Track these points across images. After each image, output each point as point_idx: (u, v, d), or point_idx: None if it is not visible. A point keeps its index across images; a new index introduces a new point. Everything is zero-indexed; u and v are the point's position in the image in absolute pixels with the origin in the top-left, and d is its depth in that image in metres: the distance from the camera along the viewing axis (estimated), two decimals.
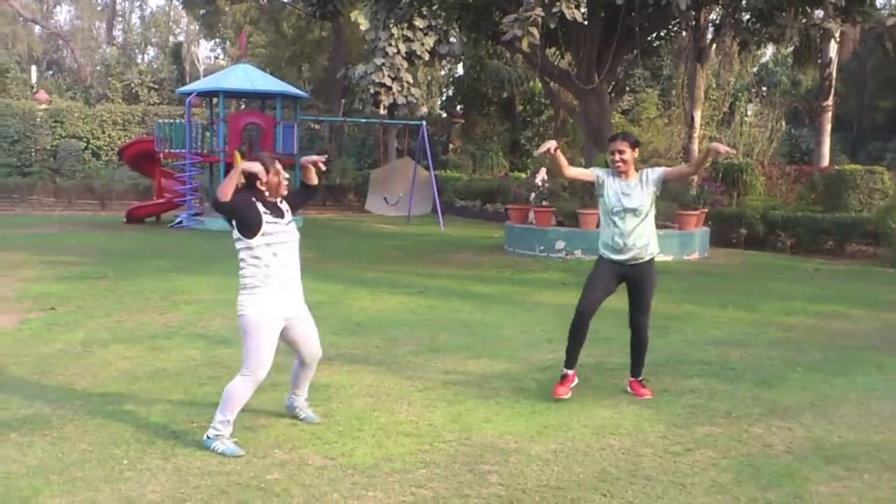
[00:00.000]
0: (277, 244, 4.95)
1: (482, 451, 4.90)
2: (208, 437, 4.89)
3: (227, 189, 4.76)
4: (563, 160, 6.04)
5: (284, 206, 5.13)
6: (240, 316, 4.95)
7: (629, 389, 6.23)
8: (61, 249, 14.84)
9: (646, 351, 6.26)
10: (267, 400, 5.74)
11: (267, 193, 5.01)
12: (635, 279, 6.06)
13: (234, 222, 4.91)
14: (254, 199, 4.93)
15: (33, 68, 46.60)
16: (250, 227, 4.88)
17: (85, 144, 32.39)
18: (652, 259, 6.11)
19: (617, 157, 6.01)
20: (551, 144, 5.90)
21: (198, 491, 4.25)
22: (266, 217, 4.92)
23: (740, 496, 4.30)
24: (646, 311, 6.15)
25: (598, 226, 6.52)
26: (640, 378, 6.26)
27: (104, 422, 5.31)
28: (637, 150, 6.08)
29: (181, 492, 4.24)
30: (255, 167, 4.89)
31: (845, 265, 15.01)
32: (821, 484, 4.48)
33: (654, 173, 6.08)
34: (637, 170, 6.14)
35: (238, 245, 4.97)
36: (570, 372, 6.09)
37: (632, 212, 5.95)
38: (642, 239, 5.99)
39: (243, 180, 4.92)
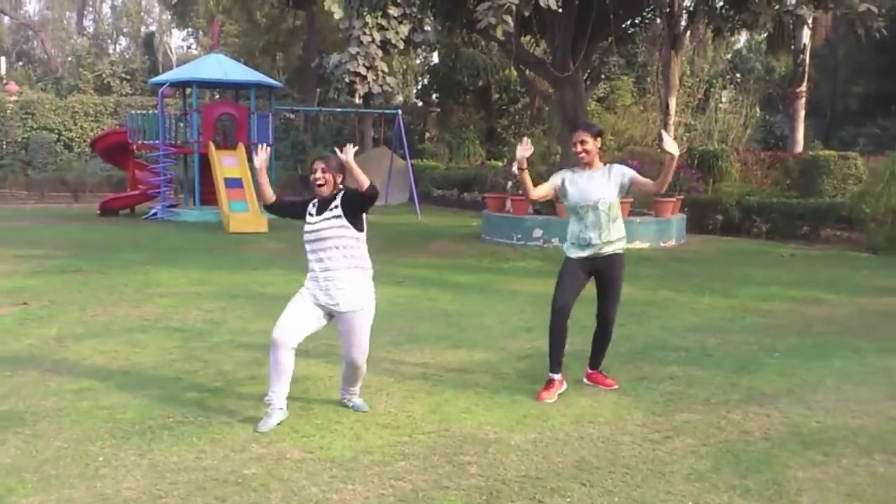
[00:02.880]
0: (309, 242, 5.29)
1: (461, 442, 4.88)
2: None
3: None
4: (528, 183, 5.78)
5: (335, 202, 5.26)
6: None
7: (588, 381, 6.14)
8: (34, 243, 14.67)
9: (609, 344, 6.17)
10: (244, 394, 5.70)
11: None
12: (605, 273, 5.89)
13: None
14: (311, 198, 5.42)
15: (2, 59, 46.03)
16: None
17: (57, 136, 32.01)
18: (621, 253, 5.92)
19: (579, 147, 5.75)
20: (525, 154, 5.62)
21: (174, 487, 4.21)
22: (308, 216, 5.33)
23: (719, 483, 4.31)
24: (615, 304, 5.99)
25: None
26: (600, 369, 6.19)
27: (79, 418, 5.24)
28: (600, 139, 5.82)
29: (157, 488, 4.19)
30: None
31: (820, 250, 15.13)
32: (799, 469, 4.49)
33: (624, 176, 5.77)
34: (606, 163, 5.92)
35: None
36: (556, 377, 5.87)
37: (594, 206, 5.72)
38: (608, 233, 5.79)
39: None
